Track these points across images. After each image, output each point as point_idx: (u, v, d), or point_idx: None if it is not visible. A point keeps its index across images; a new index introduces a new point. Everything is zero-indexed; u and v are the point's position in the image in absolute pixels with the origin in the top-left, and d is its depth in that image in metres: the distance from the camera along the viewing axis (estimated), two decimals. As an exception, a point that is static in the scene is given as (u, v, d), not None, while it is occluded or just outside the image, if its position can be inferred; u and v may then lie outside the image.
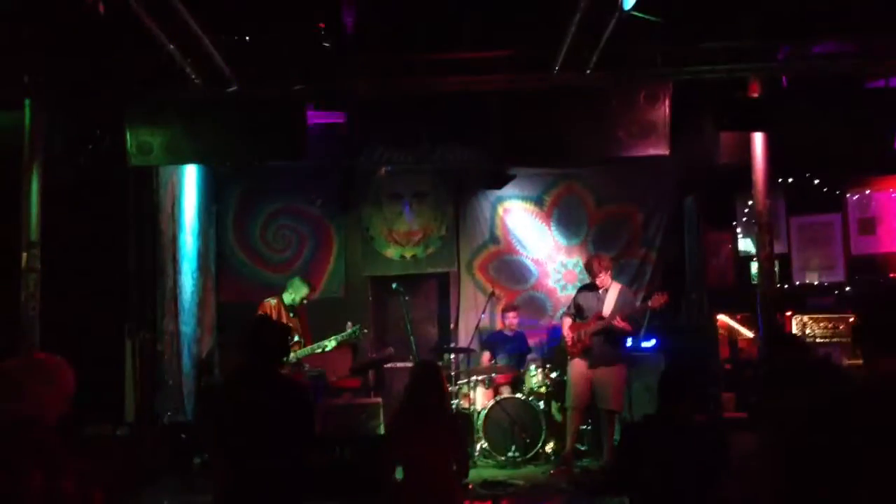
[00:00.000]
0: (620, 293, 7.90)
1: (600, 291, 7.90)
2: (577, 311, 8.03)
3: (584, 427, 8.24)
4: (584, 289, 8.17)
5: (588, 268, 8.09)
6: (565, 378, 8.13)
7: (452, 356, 8.89)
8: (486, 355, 9.27)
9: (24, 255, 6.69)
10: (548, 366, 8.67)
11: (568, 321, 8.06)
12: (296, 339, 7.96)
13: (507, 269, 10.33)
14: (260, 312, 7.97)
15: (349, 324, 8.31)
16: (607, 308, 7.77)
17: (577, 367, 7.83)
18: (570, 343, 7.86)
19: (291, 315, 8.09)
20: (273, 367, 4.20)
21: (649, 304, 7.86)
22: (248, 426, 3.98)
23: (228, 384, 4.69)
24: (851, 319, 7.90)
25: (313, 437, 4.48)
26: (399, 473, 4.92)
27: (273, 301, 8.10)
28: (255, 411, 4.00)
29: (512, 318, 9.37)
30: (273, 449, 3.98)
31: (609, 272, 7.95)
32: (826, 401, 2.52)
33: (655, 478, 4.00)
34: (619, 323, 7.65)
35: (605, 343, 7.74)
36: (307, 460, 4.24)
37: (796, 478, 2.45)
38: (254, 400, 4.03)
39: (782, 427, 2.84)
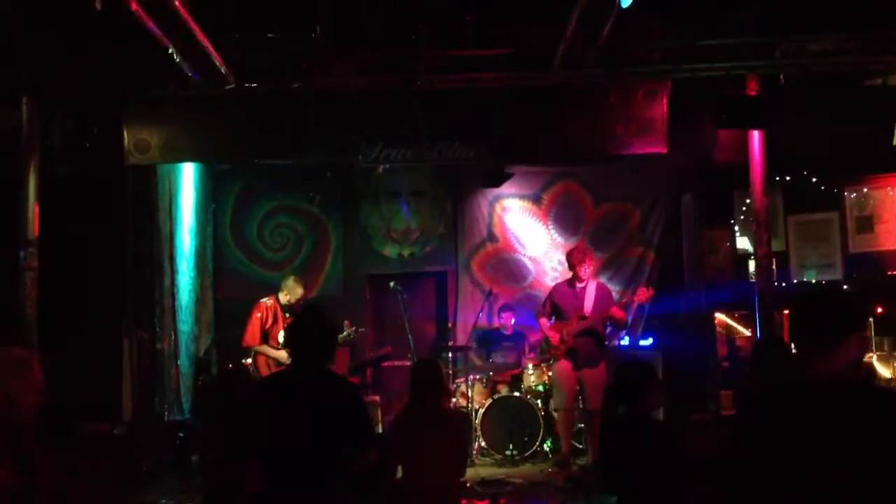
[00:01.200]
0: (598, 289, 7.86)
1: (577, 289, 7.82)
2: (553, 310, 7.95)
3: (582, 425, 8.24)
4: (559, 288, 8.07)
5: (570, 258, 7.90)
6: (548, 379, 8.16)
7: (450, 354, 8.88)
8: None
9: (21, 253, 6.67)
10: (545, 364, 8.66)
11: (545, 321, 7.98)
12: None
13: (505, 268, 10.33)
14: (256, 313, 7.93)
15: (347, 322, 8.30)
16: (588, 306, 7.72)
17: (563, 368, 7.78)
18: (555, 344, 7.83)
19: (287, 315, 8.03)
20: (321, 362, 3.89)
21: (635, 298, 7.87)
22: (296, 425, 3.68)
23: (273, 380, 4.35)
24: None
25: (369, 436, 4.07)
26: (399, 472, 4.92)
27: (269, 301, 8.06)
28: (306, 409, 3.71)
29: (507, 319, 9.36)
30: (321, 450, 3.69)
31: (589, 264, 7.85)
32: (757, 400, 2.57)
33: (638, 476, 4.02)
34: (617, 313, 7.65)
35: (589, 343, 7.70)
36: (362, 461, 3.87)
37: (740, 480, 2.47)
38: (302, 397, 3.75)
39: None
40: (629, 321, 8.36)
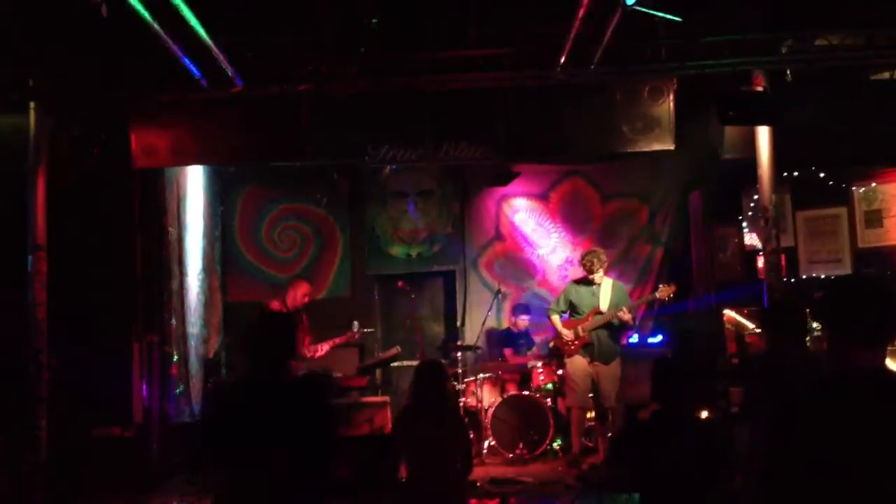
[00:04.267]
0: (614, 287, 7.88)
1: (594, 287, 7.84)
2: (569, 307, 7.95)
3: (592, 423, 8.23)
4: (575, 285, 8.05)
5: (587, 263, 7.84)
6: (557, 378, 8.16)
7: (459, 354, 8.88)
8: (508, 351, 9.26)
9: (30, 258, 6.71)
10: (554, 363, 8.65)
11: (557, 318, 7.95)
12: None
13: (513, 266, 10.33)
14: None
15: (355, 323, 8.30)
16: (603, 303, 7.75)
17: (577, 364, 7.78)
18: (568, 340, 7.82)
19: None
20: (281, 365, 3.73)
21: (657, 294, 7.87)
22: (257, 432, 3.53)
23: (236, 387, 4.20)
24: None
25: (336, 441, 3.87)
26: (404, 471, 4.93)
27: (276, 305, 8.03)
28: (266, 415, 3.55)
29: (522, 322, 9.36)
30: (285, 456, 3.51)
31: (605, 268, 7.86)
32: (806, 395, 2.52)
33: (663, 474, 4.00)
34: (624, 315, 7.63)
35: (606, 338, 7.72)
36: (330, 468, 3.76)
37: (783, 471, 2.44)
38: (263, 403, 3.59)
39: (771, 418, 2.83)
40: (637, 322, 8.35)
